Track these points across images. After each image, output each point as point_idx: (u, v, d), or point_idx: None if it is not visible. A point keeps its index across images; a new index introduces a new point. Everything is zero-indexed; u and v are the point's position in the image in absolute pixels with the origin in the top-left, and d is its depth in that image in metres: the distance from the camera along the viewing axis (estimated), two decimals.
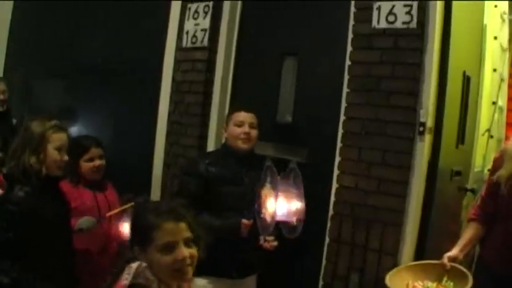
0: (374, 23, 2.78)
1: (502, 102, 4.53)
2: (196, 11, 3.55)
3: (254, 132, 2.75)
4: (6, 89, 4.03)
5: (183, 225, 1.62)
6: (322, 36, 3.15)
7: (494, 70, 4.19)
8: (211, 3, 3.49)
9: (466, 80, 3.25)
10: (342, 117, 2.90)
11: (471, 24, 3.39)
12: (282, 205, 2.38)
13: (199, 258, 1.64)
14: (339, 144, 2.90)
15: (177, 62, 3.67)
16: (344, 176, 2.86)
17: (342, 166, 2.87)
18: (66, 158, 2.37)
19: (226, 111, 3.39)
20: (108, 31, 4.23)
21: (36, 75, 4.76)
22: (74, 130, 3.98)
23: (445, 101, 2.77)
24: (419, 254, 2.70)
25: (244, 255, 2.65)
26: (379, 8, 2.76)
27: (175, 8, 3.70)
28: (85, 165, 2.82)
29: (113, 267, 1.68)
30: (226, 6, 3.49)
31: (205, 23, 3.49)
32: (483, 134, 4.01)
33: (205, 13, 3.50)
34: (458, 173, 3.28)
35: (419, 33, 2.66)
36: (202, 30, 3.51)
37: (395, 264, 2.60)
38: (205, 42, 3.49)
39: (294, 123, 3.24)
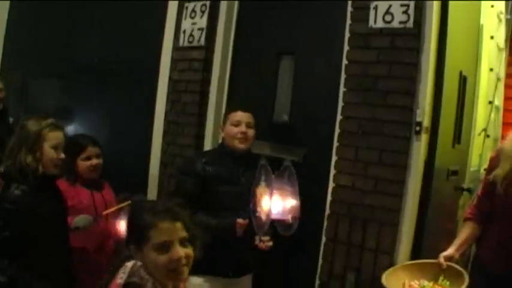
0: (371, 22, 2.78)
1: (499, 101, 4.54)
2: (193, 10, 3.55)
3: (251, 132, 2.75)
4: (3, 88, 4.02)
5: (179, 224, 1.62)
6: (319, 35, 3.15)
7: (491, 70, 4.20)
8: (208, 3, 3.48)
9: (463, 80, 3.26)
10: (339, 117, 2.90)
11: (468, 24, 3.39)
12: (276, 203, 2.39)
13: (195, 258, 1.63)
14: (335, 144, 2.90)
15: (174, 61, 3.67)
16: (341, 175, 2.86)
17: (339, 165, 2.87)
18: (62, 156, 2.37)
19: (223, 110, 3.39)
20: (104, 31, 4.23)
21: (33, 75, 4.75)
22: (71, 130, 3.97)
23: (441, 100, 2.77)
24: (415, 254, 2.71)
25: (240, 254, 2.65)
26: (376, 8, 2.76)
27: (172, 7, 3.70)
28: (82, 164, 2.82)
29: (109, 266, 1.68)
30: (223, 5, 3.49)
31: (202, 22, 3.49)
32: (479, 134, 4.02)
33: (202, 12, 3.50)
34: (454, 173, 3.29)
35: (416, 32, 2.67)
36: (199, 29, 3.51)
37: (391, 264, 2.60)
38: (202, 42, 3.49)
39: (291, 123, 3.24)
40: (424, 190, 2.74)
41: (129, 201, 2.52)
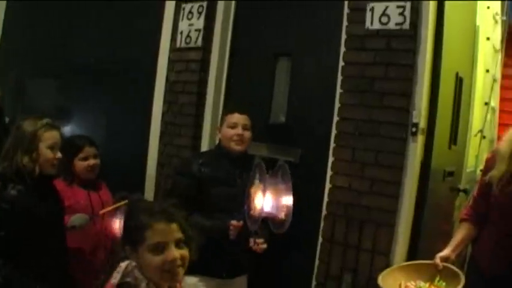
0: (367, 24, 2.79)
1: (495, 103, 4.56)
2: (190, 12, 3.55)
3: (247, 134, 2.76)
4: None
5: (174, 226, 1.62)
6: (315, 37, 3.16)
7: (487, 71, 4.21)
8: (205, 4, 3.48)
9: (459, 81, 3.27)
10: (335, 118, 2.90)
11: (464, 26, 3.40)
12: (269, 199, 2.40)
13: (191, 259, 1.63)
14: (332, 145, 2.91)
15: (171, 62, 3.66)
16: (337, 176, 2.86)
17: (335, 166, 2.88)
18: (59, 155, 2.37)
19: (220, 111, 3.39)
20: (101, 31, 4.22)
21: (29, 74, 4.74)
22: (67, 130, 3.97)
23: (437, 102, 2.78)
24: (411, 254, 2.71)
25: (234, 256, 2.65)
26: (372, 9, 2.77)
27: (169, 8, 3.70)
28: (79, 164, 2.83)
29: (105, 266, 1.68)
30: (220, 6, 3.49)
31: (199, 23, 3.49)
32: (476, 135, 4.03)
33: (199, 13, 3.50)
34: (450, 174, 3.30)
35: (412, 34, 2.67)
36: (196, 30, 3.51)
37: (388, 265, 2.61)
38: (199, 43, 3.49)
39: (288, 124, 3.24)
40: (420, 191, 2.75)
41: (126, 201, 2.52)
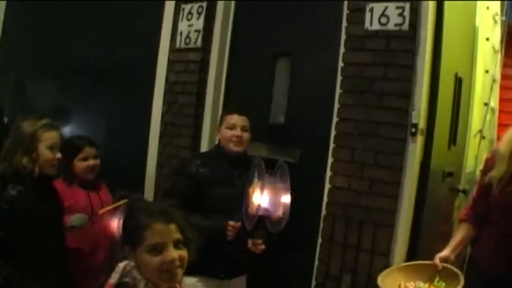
0: (367, 24, 2.79)
1: (494, 103, 4.56)
2: (190, 12, 3.55)
3: (246, 135, 2.76)
4: None
5: (173, 226, 1.61)
6: (315, 37, 3.16)
7: (486, 71, 4.22)
8: (204, 4, 3.49)
9: (458, 82, 3.27)
10: (335, 118, 2.91)
11: (463, 26, 3.40)
12: (266, 197, 2.40)
13: (190, 260, 1.63)
14: (331, 145, 2.91)
15: (171, 62, 3.67)
16: (337, 176, 2.87)
17: (335, 167, 2.88)
18: (59, 155, 2.37)
19: (220, 112, 3.39)
20: (101, 31, 4.22)
21: (29, 75, 4.74)
22: (67, 130, 3.97)
23: (437, 102, 2.78)
24: (411, 255, 2.72)
25: (233, 257, 2.65)
26: (371, 10, 2.77)
27: (169, 8, 3.70)
28: (79, 165, 2.83)
29: (105, 266, 1.68)
30: (220, 7, 3.49)
31: (199, 23, 3.49)
32: (475, 135, 4.04)
33: (199, 14, 3.50)
34: (450, 174, 3.30)
35: (412, 35, 2.68)
36: (195, 31, 3.51)
37: (387, 265, 2.61)
38: (199, 43, 3.49)
39: (287, 124, 3.24)
40: (419, 191, 2.75)
41: (126, 200, 2.52)
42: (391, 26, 2.72)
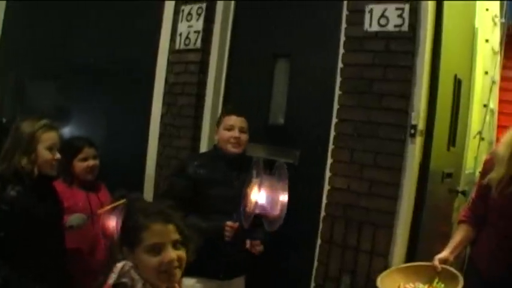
0: (366, 25, 2.79)
1: (493, 104, 4.56)
2: (189, 13, 3.55)
3: (244, 137, 2.76)
4: None
5: (171, 227, 1.61)
6: (314, 38, 3.16)
7: (486, 73, 4.22)
8: (204, 5, 3.49)
9: (458, 83, 3.28)
10: (334, 119, 2.91)
11: (463, 28, 3.41)
12: (264, 195, 2.39)
13: (188, 260, 1.63)
14: (331, 146, 2.91)
15: (170, 63, 3.66)
16: (336, 177, 2.87)
17: (334, 168, 2.88)
18: (58, 156, 2.37)
19: (219, 113, 3.39)
20: (100, 31, 4.22)
21: (29, 75, 4.74)
22: (67, 130, 3.97)
23: (436, 103, 2.78)
24: (410, 256, 2.72)
25: (231, 257, 2.65)
26: (371, 11, 2.78)
27: (169, 9, 3.70)
28: (79, 165, 2.83)
29: (103, 267, 1.68)
30: (219, 7, 3.49)
31: (199, 24, 3.49)
32: (474, 137, 4.04)
33: (198, 15, 3.50)
34: (449, 175, 3.30)
35: (411, 36, 2.68)
36: (195, 32, 3.51)
37: (386, 266, 2.61)
38: (198, 44, 3.49)
39: (286, 125, 3.24)
40: (419, 193, 2.75)
41: (124, 200, 2.52)
42: (390, 27, 2.72)
